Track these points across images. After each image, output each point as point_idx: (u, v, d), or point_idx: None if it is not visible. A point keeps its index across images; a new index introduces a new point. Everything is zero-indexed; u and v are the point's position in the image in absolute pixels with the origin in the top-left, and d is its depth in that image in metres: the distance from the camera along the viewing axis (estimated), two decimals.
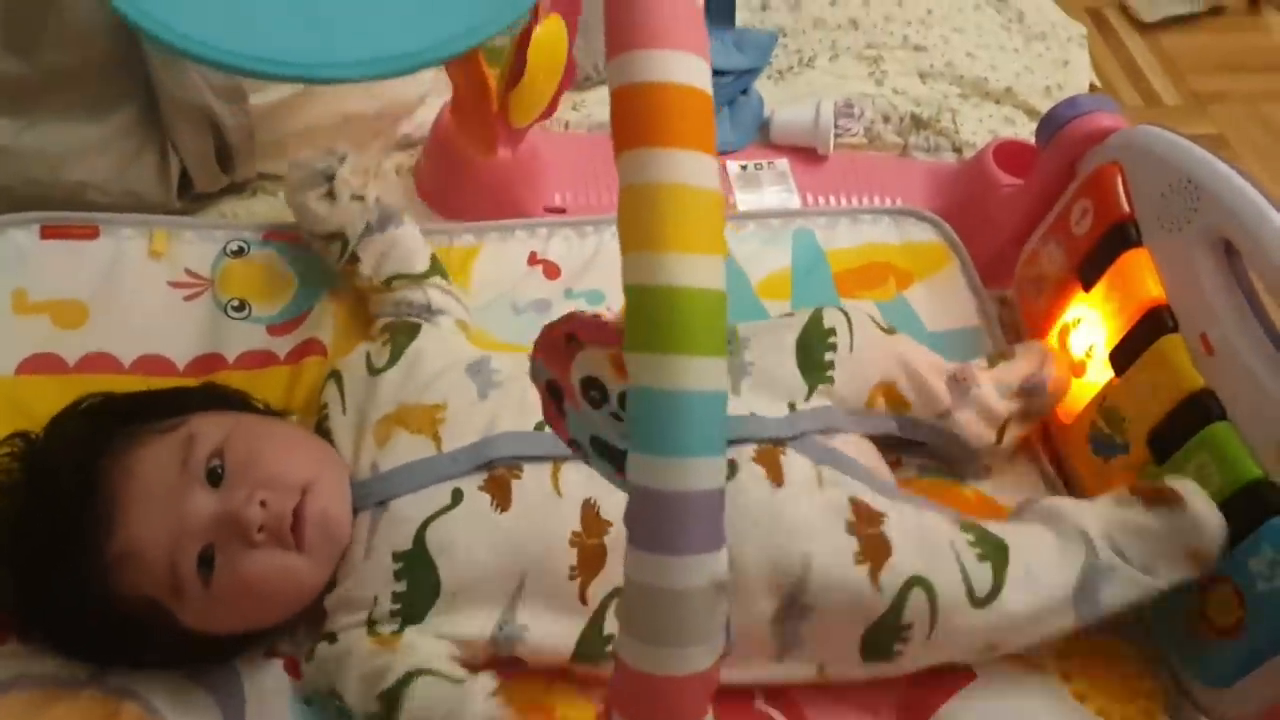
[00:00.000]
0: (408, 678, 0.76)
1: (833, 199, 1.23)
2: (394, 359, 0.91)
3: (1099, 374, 0.98)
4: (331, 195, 0.98)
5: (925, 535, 0.82)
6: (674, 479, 0.42)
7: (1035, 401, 1.00)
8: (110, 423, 0.82)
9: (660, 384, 0.42)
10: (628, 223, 0.43)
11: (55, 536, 0.76)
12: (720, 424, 0.42)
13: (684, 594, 0.43)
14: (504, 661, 0.81)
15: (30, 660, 0.81)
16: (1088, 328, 1.00)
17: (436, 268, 1.00)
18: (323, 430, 0.89)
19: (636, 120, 0.43)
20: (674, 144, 0.43)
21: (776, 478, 0.83)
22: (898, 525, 0.82)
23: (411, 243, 1.00)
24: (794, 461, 0.85)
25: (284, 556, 0.78)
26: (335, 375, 0.92)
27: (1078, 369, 1.01)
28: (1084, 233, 1.01)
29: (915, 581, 0.79)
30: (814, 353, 0.93)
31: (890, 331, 0.99)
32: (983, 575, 0.80)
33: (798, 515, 0.81)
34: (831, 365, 0.93)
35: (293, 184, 1.00)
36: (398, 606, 0.79)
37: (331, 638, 0.80)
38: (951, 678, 0.86)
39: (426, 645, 0.79)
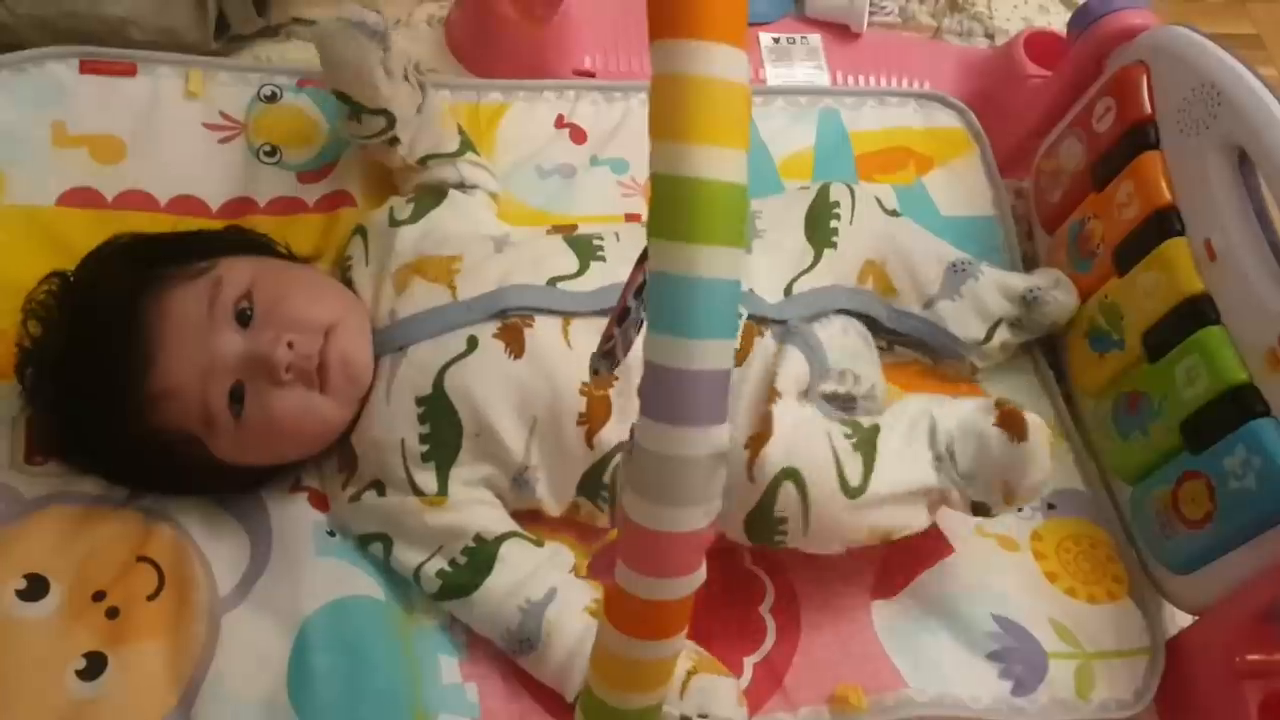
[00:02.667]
0: (499, 539, 0.82)
1: (862, 79, 1.24)
2: (416, 217, 0.93)
3: (1103, 271, 1.00)
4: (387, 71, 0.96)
5: (802, 424, 0.83)
6: (687, 358, 0.45)
7: (1033, 313, 1.01)
8: (143, 265, 0.85)
9: (679, 270, 0.45)
10: (657, 112, 0.45)
11: (94, 374, 0.80)
12: (733, 310, 0.46)
13: (689, 461, 0.47)
14: (524, 515, 0.87)
15: (70, 480, 0.86)
16: (1097, 224, 1.02)
17: (466, 143, 1.01)
18: (345, 279, 0.92)
19: (671, 10, 0.45)
20: (706, 35, 0.45)
21: (744, 354, 0.87)
22: (783, 415, 0.82)
23: (441, 120, 1.00)
24: (766, 344, 0.88)
25: (309, 396, 0.82)
26: (360, 230, 0.95)
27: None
28: (1105, 130, 1.02)
29: (788, 474, 0.80)
30: (820, 222, 0.96)
31: (894, 214, 1.00)
32: (855, 465, 0.81)
33: (740, 394, 0.84)
34: (836, 233, 0.96)
35: (333, 37, 0.94)
36: (426, 448, 0.84)
37: (379, 489, 0.85)
38: (930, 549, 0.91)
39: (477, 497, 0.84)
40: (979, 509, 0.84)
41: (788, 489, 0.80)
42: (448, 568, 0.82)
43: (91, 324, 0.82)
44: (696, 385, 0.46)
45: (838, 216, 0.96)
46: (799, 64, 1.24)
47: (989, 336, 1.01)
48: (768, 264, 0.94)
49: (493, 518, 0.85)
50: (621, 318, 0.57)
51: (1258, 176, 0.89)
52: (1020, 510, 0.92)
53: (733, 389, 0.81)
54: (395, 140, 0.97)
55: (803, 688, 0.86)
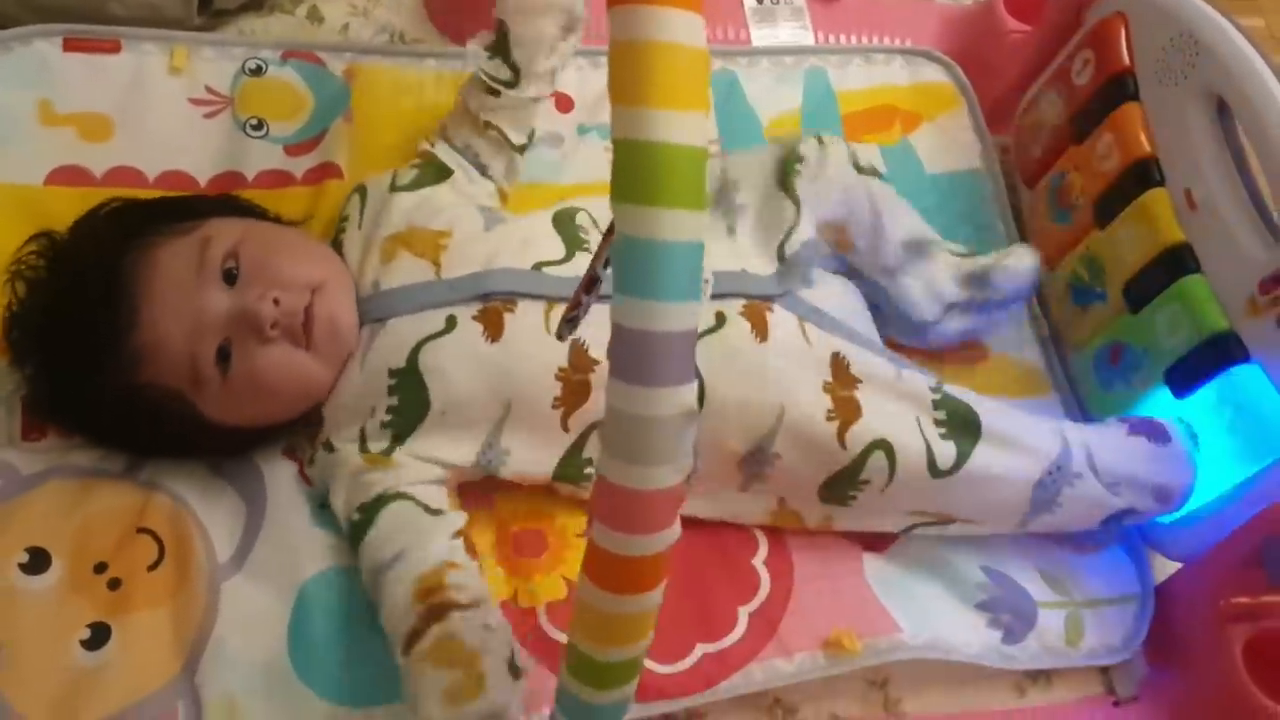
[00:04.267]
0: (385, 498, 0.82)
1: (845, 38, 1.24)
2: (415, 186, 0.93)
3: (1084, 223, 1.01)
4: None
5: (895, 407, 0.86)
6: (653, 320, 0.46)
7: (988, 289, 1.00)
8: (132, 224, 0.86)
9: (643, 233, 0.45)
10: (617, 78, 0.46)
11: (82, 330, 0.81)
12: (696, 271, 0.47)
13: (658, 420, 0.48)
14: (489, 483, 0.88)
15: (68, 453, 0.88)
16: (1077, 176, 1.02)
17: (527, 146, 1.00)
18: (337, 243, 0.92)
19: None
20: (662, 1, 0.45)
21: (762, 333, 0.87)
22: (871, 393, 0.86)
23: (532, 114, 0.99)
24: (780, 318, 0.88)
25: (294, 353, 0.83)
26: (360, 189, 0.95)
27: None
28: (1084, 83, 1.02)
29: (878, 444, 0.84)
30: (788, 179, 0.95)
31: (867, 172, 0.98)
32: (947, 452, 0.85)
33: (778, 369, 0.86)
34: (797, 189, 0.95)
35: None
36: (389, 418, 0.84)
37: (329, 446, 0.86)
38: None
39: (415, 468, 0.84)
40: (1113, 519, 0.89)
41: (877, 458, 0.84)
42: (347, 527, 0.83)
43: (78, 279, 0.83)
44: (664, 346, 0.47)
45: (798, 173, 0.95)
46: (783, 24, 1.24)
47: (940, 320, 1.01)
48: (754, 239, 0.94)
49: (408, 481, 0.83)
50: (589, 286, 0.58)
51: (1236, 125, 0.90)
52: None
53: (778, 363, 0.85)
54: (495, 94, 0.95)
55: (797, 634, 0.87)
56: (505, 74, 0.95)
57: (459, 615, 0.75)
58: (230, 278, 0.82)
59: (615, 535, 0.50)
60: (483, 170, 0.98)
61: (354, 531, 0.82)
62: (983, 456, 0.85)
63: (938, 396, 0.88)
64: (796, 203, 0.94)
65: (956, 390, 0.89)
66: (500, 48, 0.95)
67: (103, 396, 0.83)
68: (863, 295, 0.99)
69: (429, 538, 0.81)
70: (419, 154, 0.98)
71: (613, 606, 0.53)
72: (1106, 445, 0.89)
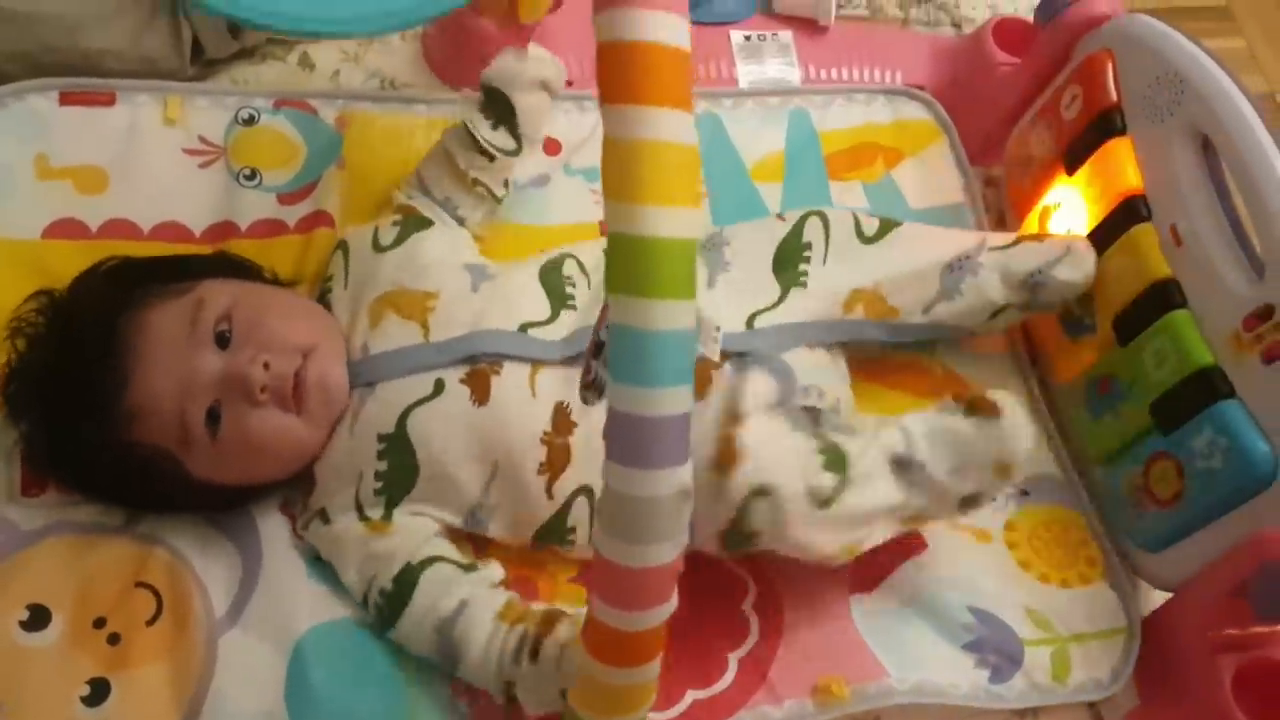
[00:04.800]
0: (416, 565, 0.83)
1: (834, 72, 1.24)
2: (398, 242, 0.94)
3: None
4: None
5: (770, 442, 0.82)
6: (647, 405, 0.48)
7: (1039, 296, 0.98)
8: (128, 284, 0.87)
9: (636, 323, 0.47)
10: (610, 174, 0.47)
11: (77, 387, 0.82)
12: (689, 358, 0.48)
13: (655, 501, 0.49)
14: (476, 539, 0.89)
15: (67, 509, 0.88)
16: (1068, 211, 1.03)
17: (503, 195, 1.02)
18: (324, 302, 0.93)
19: (621, 76, 0.47)
20: (655, 101, 0.47)
21: (701, 390, 0.86)
22: (748, 437, 0.81)
23: (512, 170, 1.02)
24: (724, 375, 0.89)
25: (284, 417, 0.84)
26: (343, 246, 0.96)
27: None
28: (1072, 117, 1.03)
29: (760, 491, 0.80)
30: (790, 263, 0.96)
31: (872, 240, 0.99)
32: (826, 479, 0.81)
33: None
34: (805, 275, 0.97)
35: (542, 61, 1.00)
36: (381, 485, 0.85)
37: (325, 517, 0.87)
38: (906, 544, 0.93)
39: (418, 526, 0.86)
40: (969, 502, 0.85)
41: (759, 505, 0.80)
42: (379, 598, 0.83)
43: (74, 338, 0.84)
44: (659, 430, 0.48)
45: (808, 260, 0.96)
46: (770, 60, 1.24)
47: (994, 318, 0.99)
48: (728, 297, 0.95)
49: (427, 544, 0.85)
50: (597, 351, 0.59)
51: (1221, 163, 0.90)
52: (993, 500, 0.91)
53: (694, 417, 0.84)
54: (492, 159, 0.98)
55: (787, 681, 0.88)
56: (510, 144, 0.98)
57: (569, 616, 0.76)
58: (223, 340, 0.83)
59: (615, 612, 0.52)
60: (460, 221, 1.00)
61: (390, 602, 0.83)
62: (854, 472, 0.82)
63: (820, 444, 0.84)
64: (784, 288, 0.95)
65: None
66: (505, 119, 0.98)
67: (97, 453, 0.83)
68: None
69: (479, 587, 0.83)
70: (397, 208, 0.99)
71: (613, 679, 0.54)
72: (943, 433, 0.84)
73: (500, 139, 0.98)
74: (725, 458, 0.80)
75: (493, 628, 0.80)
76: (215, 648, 0.83)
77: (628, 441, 0.48)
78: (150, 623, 0.84)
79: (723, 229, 1.01)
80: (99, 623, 0.83)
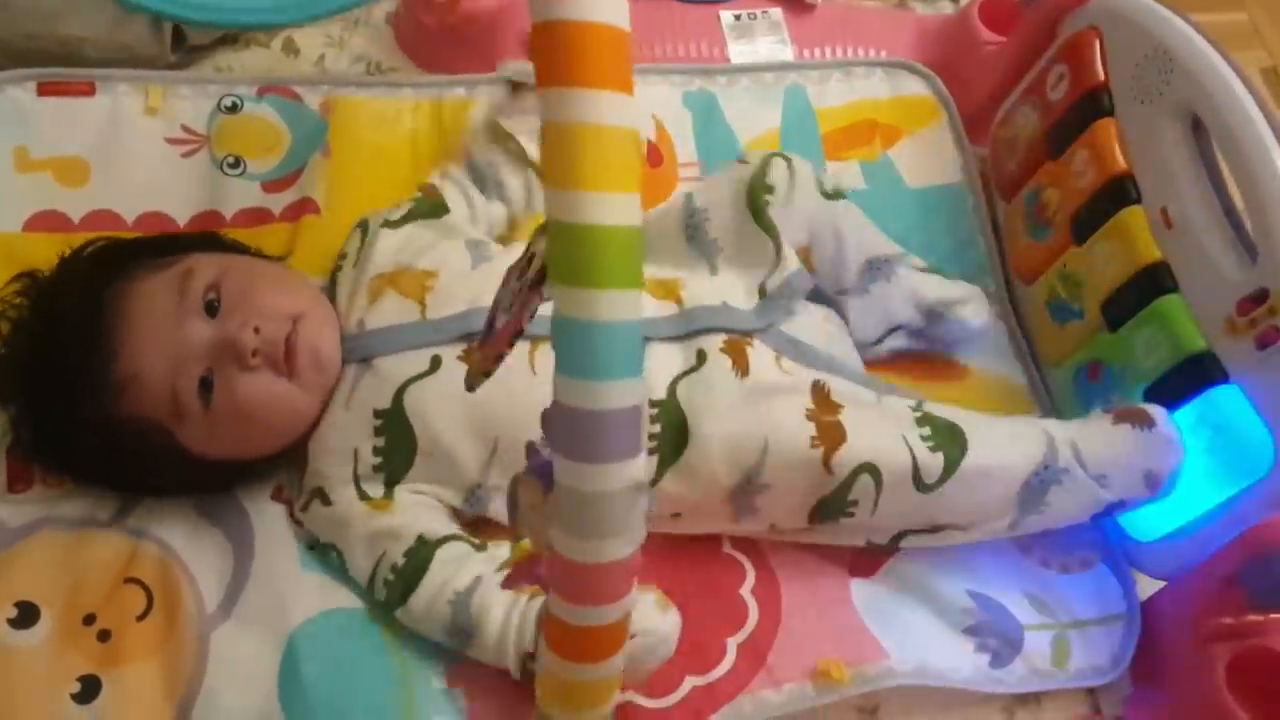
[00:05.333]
0: (430, 541, 0.83)
1: (823, 51, 1.23)
2: (404, 221, 0.94)
3: (1061, 239, 1.01)
4: None
5: (879, 427, 0.86)
6: (593, 399, 0.47)
7: (935, 328, 1.01)
8: (114, 261, 0.87)
9: (580, 315, 0.46)
10: (550, 160, 0.46)
11: (63, 363, 0.82)
12: (637, 349, 0.47)
13: (605, 495, 0.48)
14: (475, 520, 0.88)
15: (55, 504, 0.88)
16: (1054, 192, 1.02)
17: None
18: (332, 279, 0.93)
19: (557, 57, 0.46)
20: (593, 83, 0.46)
21: (743, 368, 0.87)
22: (853, 415, 0.86)
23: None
24: (759, 352, 0.89)
25: (276, 381, 0.83)
26: (362, 224, 0.95)
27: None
28: (1059, 97, 1.02)
29: (864, 468, 0.84)
30: (760, 212, 0.95)
31: (833, 197, 0.99)
32: (934, 463, 0.84)
33: (760, 403, 0.86)
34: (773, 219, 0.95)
35: None
36: (379, 460, 0.85)
37: (324, 498, 0.86)
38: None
39: (421, 503, 0.85)
40: (1113, 509, 0.89)
41: (864, 480, 0.83)
42: (390, 574, 0.83)
43: (59, 313, 0.83)
44: (608, 424, 0.47)
45: (769, 204, 0.95)
46: (761, 39, 1.23)
47: (879, 340, 1.02)
48: (736, 273, 0.95)
49: (435, 522, 0.85)
50: (513, 340, 0.58)
51: (1211, 143, 0.89)
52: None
53: (760, 397, 0.85)
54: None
55: (786, 665, 0.88)
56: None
57: None
58: (211, 309, 0.83)
59: (571, 607, 0.51)
60: (499, 187, 0.99)
61: (403, 579, 0.82)
62: (969, 464, 0.85)
63: (919, 414, 0.88)
64: (775, 238, 0.94)
65: (937, 407, 0.90)
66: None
67: (85, 431, 0.83)
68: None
69: (491, 566, 0.83)
70: (420, 188, 0.98)
71: (576, 674, 0.54)
72: (1092, 437, 0.89)
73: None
74: (830, 439, 0.83)
75: (510, 600, 0.80)
76: (207, 643, 0.83)
77: (576, 435, 0.48)
78: (141, 618, 0.83)
79: (692, 196, 0.99)
80: (89, 619, 0.83)
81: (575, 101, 0.45)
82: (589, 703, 0.55)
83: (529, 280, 0.52)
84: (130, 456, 0.84)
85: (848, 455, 0.84)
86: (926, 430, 0.86)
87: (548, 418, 0.49)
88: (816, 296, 0.99)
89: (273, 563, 0.87)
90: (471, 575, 0.82)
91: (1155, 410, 0.88)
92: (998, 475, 0.86)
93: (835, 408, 0.87)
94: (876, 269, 0.99)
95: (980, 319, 1.02)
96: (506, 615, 0.80)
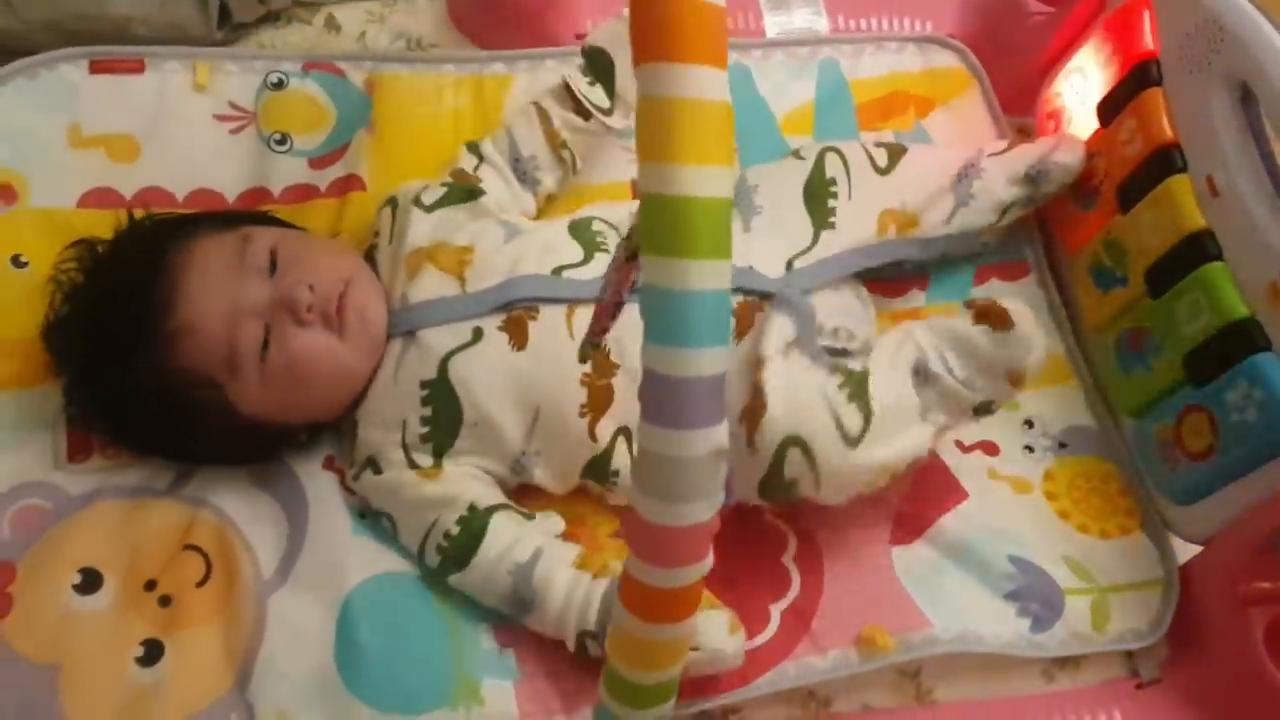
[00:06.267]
0: (481, 510, 0.85)
1: (862, 22, 1.23)
2: (438, 206, 0.95)
3: (1107, 207, 1.01)
4: None
5: (798, 389, 0.84)
6: (682, 366, 0.48)
7: (1041, 185, 1.04)
8: (175, 226, 0.90)
9: (672, 284, 0.47)
10: (645, 134, 0.47)
11: (122, 314, 0.84)
12: (725, 318, 0.48)
13: (690, 461, 0.50)
14: (520, 492, 0.90)
15: (113, 473, 0.90)
16: (1102, 162, 1.02)
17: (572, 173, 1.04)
18: (370, 257, 0.95)
19: (654, 33, 0.47)
20: (689, 58, 0.47)
21: (743, 331, 0.89)
22: (773, 381, 0.84)
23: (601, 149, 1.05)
24: (773, 322, 0.89)
25: (329, 338, 0.86)
26: (392, 201, 0.97)
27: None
28: (1109, 68, 1.02)
29: (790, 441, 0.83)
30: (818, 201, 0.98)
31: (886, 171, 1.02)
32: (853, 415, 0.83)
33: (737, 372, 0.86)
34: (834, 213, 0.98)
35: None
36: (427, 430, 0.87)
37: (375, 466, 0.88)
38: (944, 495, 0.94)
39: (470, 473, 0.87)
40: (982, 410, 0.88)
41: (793, 454, 0.82)
42: (443, 541, 0.85)
43: (121, 269, 0.86)
44: (694, 391, 0.49)
45: (834, 195, 0.98)
46: (797, 10, 1.23)
47: (1001, 217, 1.04)
48: (767, 242, 0.96)
49: (485, 491, 0.88)
50: (615, 312, 0.59)
51: (1260, 112, 0.89)
52: (1031, 451, 0.97)
53: (740, 367, 0.85)
54: (586, 117, 1.00)
55: (830, 632, 0.89)
56: (604, 102, 0.99)
57: None
58: (269, 270, 0.86)
59: (650, 569, 0.52)
60: (534, 184, 1.01)
61: (458, 547, 0.85)
62: (876, 398, 0.84)
63: (840, 378, 0.85)
64: (817, 227, 0.96)
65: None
66: (603, 79, 0.99)
67: (138, 386, 0.84)
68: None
69: (548, 537, 0.85)
70: (453, 173, 0.99)
71: (648, 634, 0.55)
72: (956, 342, 0.87)
73: (596, 95, 0.99)
74: (753, 410, 0.82)
75: (574, 576, 0.82)
76: (265, 607, 0.85)
77: (663, 403, 0.49)
78: (200, 584, 0.86)
79: (744, 171, 1.02)
80: (149, 585, 0.85)
81: (672, 77, 0.46)
82: (661, 663, 0.56)
83: (625, 254, 0.53)
84: (179, 416, 0.86)
85: (770, 428, 0.82)
86: (839, 379, 0.85)
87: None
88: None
89: (326, 529, 0.89)
90: (533, 547, 0.84)
91: (1015, 306, 0.85)
92: (895, 402, 0.85)
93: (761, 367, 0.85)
94: (965, 176, 1.02)
95: (1075, 154, 1.04)
96: (570, 592, 0.82)
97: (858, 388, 0.84)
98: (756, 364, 0.85)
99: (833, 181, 0.99)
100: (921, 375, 0.86)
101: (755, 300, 0.92)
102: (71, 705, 0.80)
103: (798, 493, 0.85)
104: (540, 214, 1.03)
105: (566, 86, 0.99)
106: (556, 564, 0.84)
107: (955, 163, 1.03)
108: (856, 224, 0.99)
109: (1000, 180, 1.02)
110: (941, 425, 0.88)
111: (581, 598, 0.82)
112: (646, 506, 0.51)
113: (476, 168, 1.00)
